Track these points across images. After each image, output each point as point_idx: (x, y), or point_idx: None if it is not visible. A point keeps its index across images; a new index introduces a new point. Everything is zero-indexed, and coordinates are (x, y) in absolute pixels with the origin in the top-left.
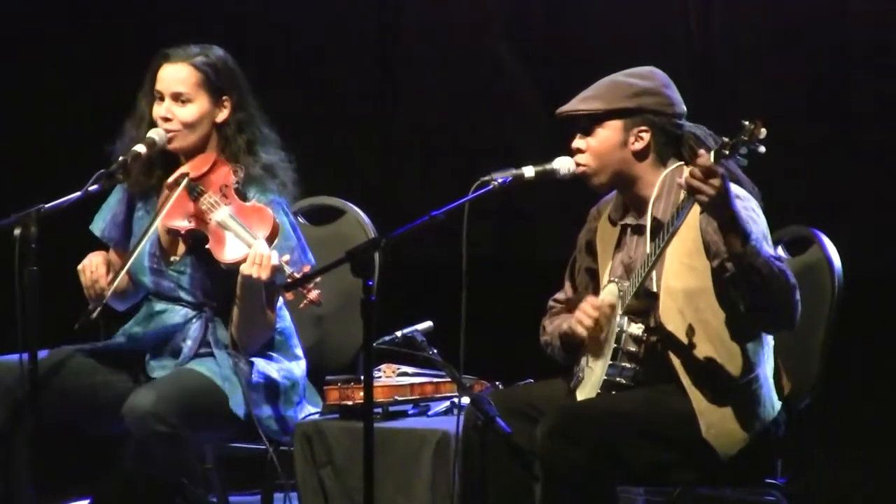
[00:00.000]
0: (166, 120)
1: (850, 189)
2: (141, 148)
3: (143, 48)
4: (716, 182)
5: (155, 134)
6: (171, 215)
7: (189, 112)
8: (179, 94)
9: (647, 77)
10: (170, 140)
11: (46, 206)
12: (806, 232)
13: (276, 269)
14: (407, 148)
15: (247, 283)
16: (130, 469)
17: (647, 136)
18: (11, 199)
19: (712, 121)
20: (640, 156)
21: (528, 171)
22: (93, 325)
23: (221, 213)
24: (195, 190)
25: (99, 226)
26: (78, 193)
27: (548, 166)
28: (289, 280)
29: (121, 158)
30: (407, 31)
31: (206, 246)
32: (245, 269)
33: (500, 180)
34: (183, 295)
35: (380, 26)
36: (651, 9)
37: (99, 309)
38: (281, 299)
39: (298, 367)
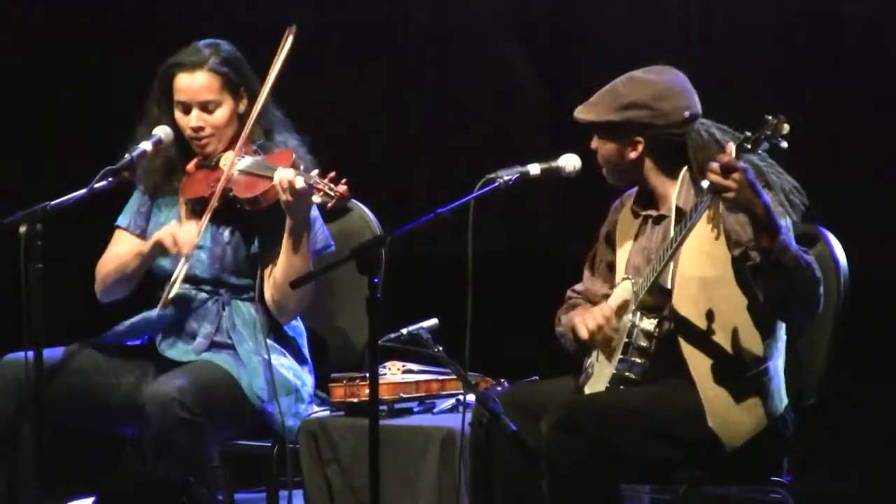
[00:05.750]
0: (199, 129)
1: (853, 188)
2: (147, 145)
3: (147, 45)
4: (737, 176)
5: (160, 132)
6: (193, 188)
7: (219, 117)
8: (207, 103)
9: (639, 86)
10: (203, 147)
11: (52, 203)
12: (812, 230)
13: (306, 190)
14: (416, 146)
15: (290, 220)
16: (136, 466)
17: (640, 147)
18: (17, 197)
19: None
20: (639, 163)
21: (534, 169)
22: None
23: (243, 162)
24: (213, 160)
25: (125, 219)
26: (83, 191)
27: (553, 164)
28: (319, 197)
29: (126, 156)
30: (414, 31)
31: (231, 194)
32: (281, 198)
33: (505, 178)
34: (200, 273)
35: (388, 25)
36: (653, 9)
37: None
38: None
39: (306, 372)
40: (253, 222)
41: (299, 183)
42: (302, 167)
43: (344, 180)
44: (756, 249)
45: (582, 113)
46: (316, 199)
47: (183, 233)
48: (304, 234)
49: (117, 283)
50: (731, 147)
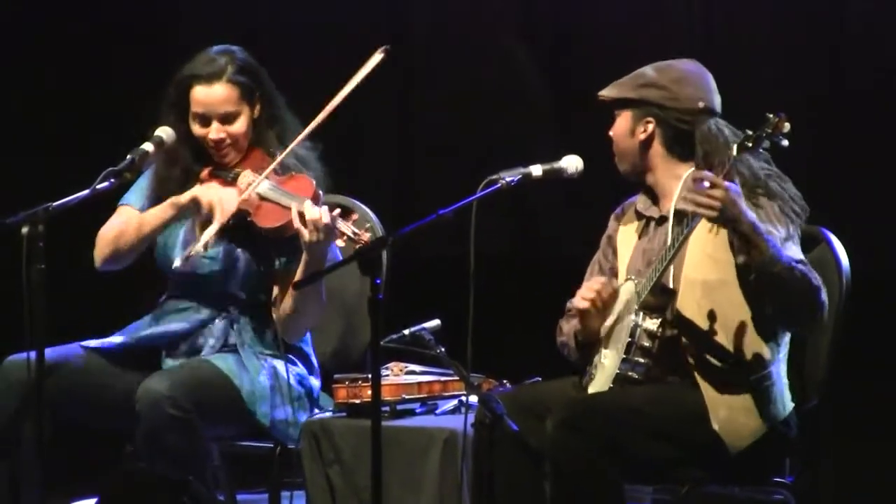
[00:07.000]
0: (221, 141)
1: (853, 188)
2: (149, 146)
3: (148, 45)
4: (716, 193)
5: (162, 132)
6: None
7: (239, 126)
8: (227, 115)
9: (663, 70)
10: (223, 157)
11: (54, 204)
12: (814, 230)
13: (332, 229)
14: (420, 147)
15: (308, 255)
16: (137, 465)
17: (650, 128)
18: (19, 198)
19: None
20: (646, 146)
21: (536, 170)
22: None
23: (262, 186)
24: (230, 174)
25: (137, 200)
26: (86, 192)
27: (555, 165)
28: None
29: (129, 157)
30: (419, 30)
31: (249, 218)
32: (305, 236)
33: (507, 179)
34: (209, 285)
35: (392, 24)
36: (655, 9)
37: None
38: None
39: (313, 377)
40: (268, 241)
41: (325, 219)
42: (321, 194)
43: (367, 225)
44: (745, 265)
45: (606, 91)
46: (339, 243)
47: (222, 199)
48: (319, 267)
49: (124, 248)
50: (697, 171)
